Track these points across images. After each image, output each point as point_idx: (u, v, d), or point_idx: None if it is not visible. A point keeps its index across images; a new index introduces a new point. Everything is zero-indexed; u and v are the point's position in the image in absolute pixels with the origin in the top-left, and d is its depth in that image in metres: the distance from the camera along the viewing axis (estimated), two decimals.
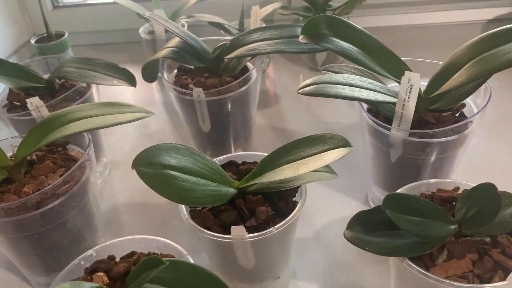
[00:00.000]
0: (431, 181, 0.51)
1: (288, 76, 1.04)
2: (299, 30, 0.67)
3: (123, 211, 0.72)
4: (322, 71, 0.63)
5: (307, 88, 0.57)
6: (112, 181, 0.79)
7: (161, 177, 0.47)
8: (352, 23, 0.59)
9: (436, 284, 0.41)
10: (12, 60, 1.17)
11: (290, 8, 1.04)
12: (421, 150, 0.56)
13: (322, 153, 0.48)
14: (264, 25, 0.97)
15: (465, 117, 0.59)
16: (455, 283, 0.40)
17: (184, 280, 0.41)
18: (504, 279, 0.41)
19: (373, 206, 0.67)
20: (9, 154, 0.59)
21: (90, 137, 0.57)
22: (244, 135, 0.77)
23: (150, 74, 0.77)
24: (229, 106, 0.70)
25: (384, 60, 0.58)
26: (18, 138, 0.61)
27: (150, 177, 0.46)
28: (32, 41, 1.04)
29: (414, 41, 1.10)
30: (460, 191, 0.50)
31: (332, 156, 0.47)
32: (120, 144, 0.87)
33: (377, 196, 0.67)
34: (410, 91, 0.54)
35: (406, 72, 0.53)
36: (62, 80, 0.74)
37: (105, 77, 0.68)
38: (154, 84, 1.06)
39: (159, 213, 0.71)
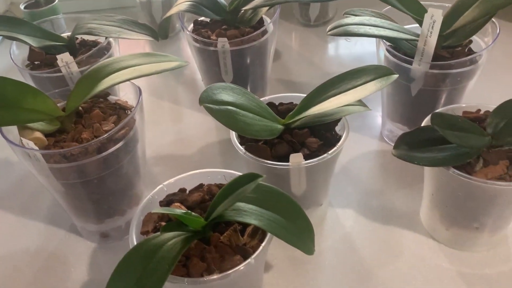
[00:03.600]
0: (462, 105, 0.58)
1: (282, 33, 1.08)
2: None
3: (152, 164, 0.75)
4: (344, 15, 0.67)
5: (336, 30, 0.61)
6: None
7: (226, 113, 0.50)
8: None
9: (480, 185, 0.48)
10: None
11: None
12: (440, 82, 0.62)
13: (367, 83, 0.53)
14: None
15: (474, 52, 0.66)
16: (497, 182, 0.47)
17: (265, 200, 0.45)
18: None
19: (388, 141, 0.73)
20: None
21: (139, 87, 0.58)
22: (261, 86, 0.80)
23: (164, 31, 0.79)
24: (250, 56, 0.74)
25: (404, 1, 0.63)
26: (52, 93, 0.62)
27: (217, 112, 0.49)
28: (21, 7, 1.01)
29: None
30: (482, 112, 0.57)
31: (377, 85, 0.51)
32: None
33: (392, 132, 0.73)
34: (432, 27, 0.59)
35: (430, 9, 0.59)
36: (81, 38, 0.75)
37: (129, 32, 0.69)
38: (152, 44, 1.07)
39: (189, 164, 0.74)
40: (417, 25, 0.64)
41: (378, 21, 0.63)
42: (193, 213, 0.44)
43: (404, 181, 0.67)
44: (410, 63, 0.62)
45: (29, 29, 0.70)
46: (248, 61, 0.74)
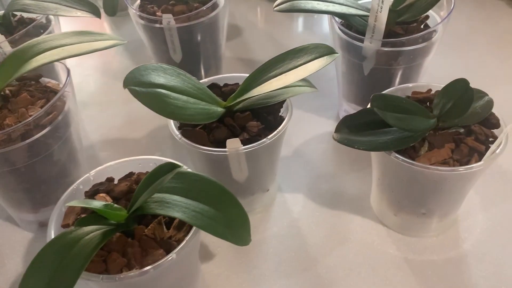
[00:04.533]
0: (410, 85, 0.55)
1: (246, 8, 1.04)
2: None
3: (100, 148, 0.71)
4: None
5: (283, 5, 0.58)
6: (83, 121, 0.77)
7: (154, 95, 0.47)
8: None
9: (422, 170, 0.45)
10: None
11: None
12: (393, 60, 0.59)
13: (309, 63, 0.50)
14: None
15: (430, 27, 0.63)
16: (439, 167, 0.45)
17: (192, 189, 0.42)
18: (479, 161, 0.46)
19: None
20: None
21: (68, 67, 0.55)
22: (215, 65, 0.77)
23: (111, 7, 0.75)
24: (200, 33, 0.70)
25: None
26: None
27: (143, 96, 0.46)
28: None
29: None
30: (432, 92, 0.54)
31: (319, 64, 0.48)
32: (84, 85, 0.84)
33: (348, 112, 0.70)
34: (382, 2, 0.56)
35: None
36: (19, 16, 0.70)
37: (67, 9, 0.65)
38: (110, 21, 1.02)
39: (138, 148, 0.71)
40: None
41: None
42: (115, 205, 0.42)
43: (358, 164, 0.65)
44: (362, 40, 0.59)
45: None
46: (198, 38, 0.70)
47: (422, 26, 0.63)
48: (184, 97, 0.49)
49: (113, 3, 0.73)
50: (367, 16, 0.58)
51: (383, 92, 0.53)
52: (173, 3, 0.70)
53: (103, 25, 1.02)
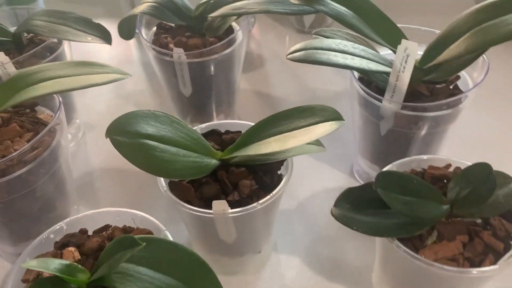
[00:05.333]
0: (424, 157, 0.49)
1: (274, 37, 0.99)
2: None
3: (97, 177, 0.69)
4: (313, 36, 0.59)
5: (297, 54, 0.53)
6: (85, 144, 0.75)
7: (138, 147, 0.43)
8: None
9: (425, 267, 0.40)
10: None
11: None
12: (412, 124, 0.54)
13: (312, 126, 0.45)
14: None
15: (460, 91, 0.57)
16: (445, 266, 0.39)
17: (162, 259, 0.38)
18: (494, 263, 0.40)
19: (358, 178, 0.65)
20: None
21: (60, 99, 0.52)
22: (227, 101, 0.73)
23: (127, 31, 0.72)
24: (212, 69, 0.66)
25: (380, 26, 0.55)
26: None
27: (126, 147, 0.43)
28: None
29: (407, 3, 1.05)
30: (452, 169, 0.48)
31: (322, 129, 0.44)
32: (95, 105, 0.82)
33: (362, 168, 0.65)
34: (405, 61, 0.51)
35: (403, 41, 0.50)
36: (31, 35, 0.68)
37: (78, 33, 0.62)
38: (132, 41, 1.00)
39: (136, 179, 0.68)
40: None
41: (349, 46, 0.54)
42: (79, 266, 0.38)
43: None
44: (381, 100, 0.54)
45: None
46: (211, 73, 0.67)
47: (451, 87, 0.57)
48: (174, 149, 0.46)
49: (129, 27, 0.71)
50: (389, 72, 0.53)
51: (389, 168, 0.47)
52: (188, 35, 0.67)
53: (129, 42, 1.00)
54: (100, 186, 0.67)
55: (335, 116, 0.45)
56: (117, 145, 0.42)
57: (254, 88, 0.85)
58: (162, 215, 0.61)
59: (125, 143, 0.43)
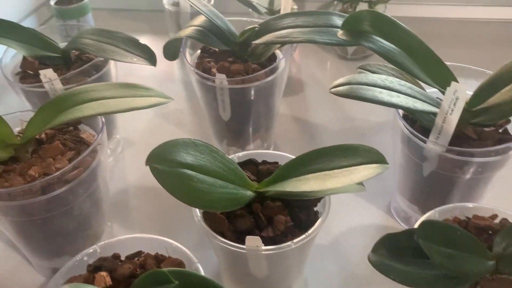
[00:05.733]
0: (469, 205, 0.47)
1: (315, 63, 0.99)
2: (335, 18, 0.62)
3: (132, 194, 0.69)
4: (358, 70, 0.58)
5: (341, 88, 0.52)
6: (124, 160, 0.76)
7: (176, 177, 0.43)
8: (399, 22, 0.53)
9: None
10: (30, 20, 1.13)
11: None
12: (457, 168, 0.52)
13: (353, 167, 0.44)
14: (295, 6, 0.92)
15: (510, 136, 0.54)
16: None
17: None
18: None
19: (395, 216, 0.63)
20: (16, 129, 0.56)
21: (103, 120, 0.53)
22: (265, 126, 0.72)
23: (172, 52, 0.73)
24: (253, 95, 0.66)
25: (428, 64, 0.53)
26: (27, 112, 0.57)
27: (165, 176, 0.43)
28: (52, 3, 0.99)
29: (452, 36, 1.03)
30: (498, 220, 0.46)
31: (365, 172, 0.42)
32: (135, 122, 0.83)
33: (401, 206, 0.63)
34: (454, 104, 0.49)
35: (453, 83, 0.48)
36: (79, 52, 0.70)
37: (124, 53, 0.64)
38: (171, 64, 1.02)
39: (170, 200, 0.66)
40: None
41: (395, 82, 0.53)
42: None
43: None
44: (425, 140, 0.52)
45: (26, 35, 0.66)
46: (251, 99, 0.66)
47: (500, 131, 0.55)
48: (211, 179, 0.45)
49: (174, 49, 0.72)
50: (436, 113, 0.51)
51: (431, 214, 0.45)
52: (231, 60, 0.67)
53: (166, 62, 1.02)
54: (134, 205, 0.68)
55: (379, 158, 0.43)
56: (156, 173, 0.42)
57: (292, 113, 0.84)
58: (193, 239, 0.61)
59: (164, 172, 0.43)
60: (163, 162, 0.43)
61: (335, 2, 0.99)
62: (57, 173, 0.47)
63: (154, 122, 0.83)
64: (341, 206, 0.65)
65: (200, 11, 0.66)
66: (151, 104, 0.53)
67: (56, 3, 1.00)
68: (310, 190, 0.44)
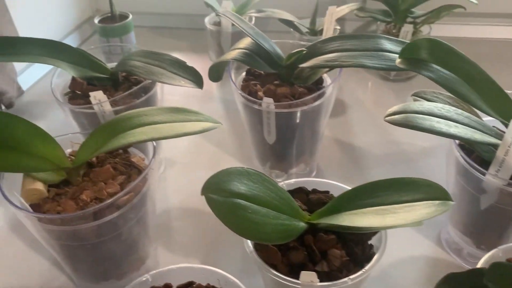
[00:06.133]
0: None
1: (356, 83, 0.97)
2: (384, 42, 0.61)
3: (175, 216, 0.69)
4: (412, 97, 0.56)
5: (396, 117, 0.50)
6: (165, 180, 0.76)
7: (230, 207, 0.42)
8: (457, 50, 0.51)
9: None
10: (73, 37, 1.15)
11: (367, 10, 0.97)
12: None
13: (414, 203, 0.42)
14: (338, 26, 0.91)
15: None
16: None
17: None
18: None
19: (446, 248, 0.61)
20: (67, 151, 0.56)
21: (155, 144, 0.53)
22: (309, 149, 0.71)
23: (217, 74, 0.73)
24: (299, 118, 0.65)
25: (488, 94, 0.51)
26: (77, 134, 0.58)
27: (219, 206, 0.42)
28: (96, 21, 1.01)
29: (499, 57, 1.00)
30: None
31: (427, 210, 0.41)
32: (177, 142, 0.82)
33: (452, 238, 0.60)
34: None
35: None
36: (126, 73, 0.71)
37: (172, 76, 0.64)
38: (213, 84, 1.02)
39: (214, 223, 0.67)
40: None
41: (452, 111, 0.51)
42: None
43: None
44: (484, 173, 0.50)
45: (75, 56, 0.67)
46: (296, 123, 0.65)
47: None
48: (264, 210, 0.44)
49: (218, 71, 0.72)
50: (496, 144, 0.49)
51: (497, 254, 0.43)
52: (277, 84, 0.66)
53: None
54: (176, 227, 0.67)
55: (442, 195, 0.42)
56: (211, 203, 0.41)
57: (335, 136, 0.83)
58: (238, 264, 0.60)
59: (218, 202, 0.42)
60: (218, 192, 0.42)
61: (378, 23, 0.97)
62: (111, 199, 0.47)
63: (195, 141, 0.83)
64: (390, 236, 0.63)
65: (247, 33, 0.66)
66: (202, 130, 0.53)
67: (100, 21, 1.01)
68: (369, 226, 0.42)
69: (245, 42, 0.70)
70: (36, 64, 0.96)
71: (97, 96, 0.61)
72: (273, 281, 0.46)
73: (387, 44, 0.61)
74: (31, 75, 1.00)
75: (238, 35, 0.98)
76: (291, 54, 0.66)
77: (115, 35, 1.00)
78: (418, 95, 0.56)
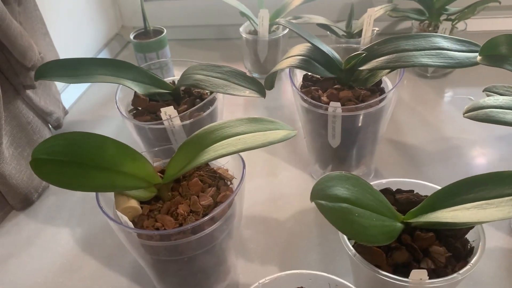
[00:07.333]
0: None
1: (392, 81, 0.98)
2: (440, 41, 0.62)
3: (243, 225, 0.70)
4: (485, 93, 0.57)
5: (475, 113, 0.52)
6: None
7: (339, 212, 0.43)
8: None
9: None
10: (104, 54, 1.16)
11: (401, 10, 0.98)
12: None
13: None
14: (376, 28, 0.92)
15: None
16: None
17: None
18: None
19: None
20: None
21: (242, 157, 0.54)
22: (370, 151, 0.72)
23: (271, 82, 0.74)
24: (363, 122, 0.66)
25: None
26: (154, 150, 0.59)
27: (329, 211, 0.43)
28: (131, 37, 1.02)
29: None
30: None
31: None
32: None
33: None
34: None
35: None
36: (187, 87, 0.72)
37: (236, 87, 0.65)
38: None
39: (282, 229, 0.68)
40: None
41: None
42: None
43: None
44: None
45: (137, 74, 0.68)
46: (359, 125, 0.66)
47: None
48: (368, 213, 0.45)
49: (272, 79, 0.72)
50: None
51: None
52: (337, 88, 0.67)
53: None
54: (248, 235, 0.68)
55: None
56: (322, 210, 0.42)
57: (386, 136, 0.84)
58: (317, 268, 0.61)
59: (328, 207, 0.43)
60: (325, 198, 0.43)
61: (413, 22, 0.99)
62: (215, 211, 0.48)
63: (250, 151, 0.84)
64: None
65: (307, 40, 0.67)
66: (283, 138, 0.53)
67: (135, 37, 1.02)
68: (477, 221, 0.43)
69: (299, 48, 0.71)
70: (73, 84, 0.97)
71: (168, 112, 0.62)
72: (376, 282, 0.47)
73: (444, 42, 0.62)
74: (70, 95, 1.01)
75: (274, 43, 0.99)
76: (350, 57, 0.67)
77: (151, 50, 1.01)
78: (490, 90, 0.57)
